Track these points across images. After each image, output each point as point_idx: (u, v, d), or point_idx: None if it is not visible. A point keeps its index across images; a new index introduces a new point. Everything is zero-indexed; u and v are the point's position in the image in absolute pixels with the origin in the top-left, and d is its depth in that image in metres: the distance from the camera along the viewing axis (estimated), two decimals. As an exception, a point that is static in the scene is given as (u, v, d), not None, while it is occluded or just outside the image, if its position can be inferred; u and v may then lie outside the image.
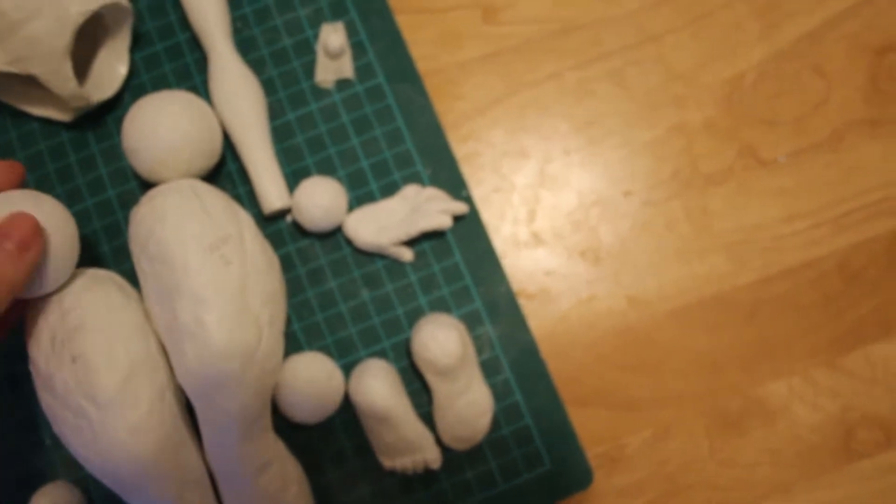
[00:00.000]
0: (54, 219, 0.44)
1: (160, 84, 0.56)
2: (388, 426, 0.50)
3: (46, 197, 0.44)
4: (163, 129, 0.49)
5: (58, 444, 0.53)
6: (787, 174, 0.56)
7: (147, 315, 0.49)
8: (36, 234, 0.42)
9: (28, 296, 0.45)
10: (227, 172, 0.55)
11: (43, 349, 0.46)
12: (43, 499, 0.51)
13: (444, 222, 0.52)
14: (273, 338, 0.49)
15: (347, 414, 0.53)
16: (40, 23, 0.48)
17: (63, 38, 0.49)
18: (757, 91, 0.57)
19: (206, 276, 0.46)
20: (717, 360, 0.54)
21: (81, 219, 0.54)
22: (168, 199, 0.48)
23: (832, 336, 0.55)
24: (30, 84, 0.54)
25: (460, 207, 0.53)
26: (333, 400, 0.51)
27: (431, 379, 0.51)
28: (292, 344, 0.53)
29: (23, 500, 0.52)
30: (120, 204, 0.55)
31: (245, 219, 0.50)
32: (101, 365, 0.45)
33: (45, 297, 0.47)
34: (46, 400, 0.46)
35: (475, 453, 0.53)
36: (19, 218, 0.42)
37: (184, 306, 0.46)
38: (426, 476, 0.52)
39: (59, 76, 0.50)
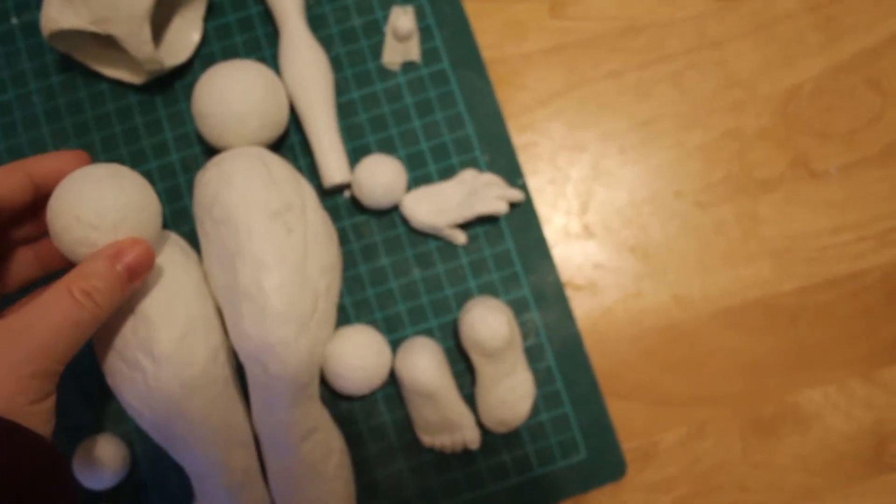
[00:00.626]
0: (137, 193, 0.45)
1: (230, 54, 0.57)
2: (432, 403, 0.51)
3: (128, 172, 0.45)
4: (234, 96, 0.50)
5: (104, 398, 0.54)
6: (837, 187, 0.57)
7: (205, 277, 0.50)
8: (147, 265, 0.43)
9: None
10: (289, 144, 0.56)
11: (104, 303, 0.48)
12: (88, 449, 0.52)
13: (501, 208, 0.53)
14: (327, 308, 0.50)
15: (390, 389, 0.54)
16: (124, -14, 0.50)
17: (144, 2, 0.50)
18: (813, 103, 0.57)
19: (269, 242, 0.47)
20: (756, 364, 0.55)
21: (147, 180, 0.56)
22: (236, 163, 0.49)
23: (870, 348, 0.56)
24: (105, 45, 0.56)
25: (516, 195, 0.54)
26: (380, 374, 0.52)
27: (477, 360, 0.51)
28: (342, 317, 0.55)
29: (69, 450, 0.53)
30: (182, 168, 0.56)
31: (308, 190, 0.51)
32: (160, 321, 0.46)
33: None
34: (104, 352, 0.48)
35: (513, 437, 0.54)
36: (139, 245, 0.43)
37: (245, 270, 0.47)
38: (463, 456, 0.53)
39: (138, 38, 0.51)
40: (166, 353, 0.46)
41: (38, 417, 0.39)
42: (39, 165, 0.45)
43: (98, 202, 0.42)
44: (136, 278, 0.43)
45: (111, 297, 0.42)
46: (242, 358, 0.48)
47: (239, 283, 0.48)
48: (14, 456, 0.37)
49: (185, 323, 0.47)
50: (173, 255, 0.48)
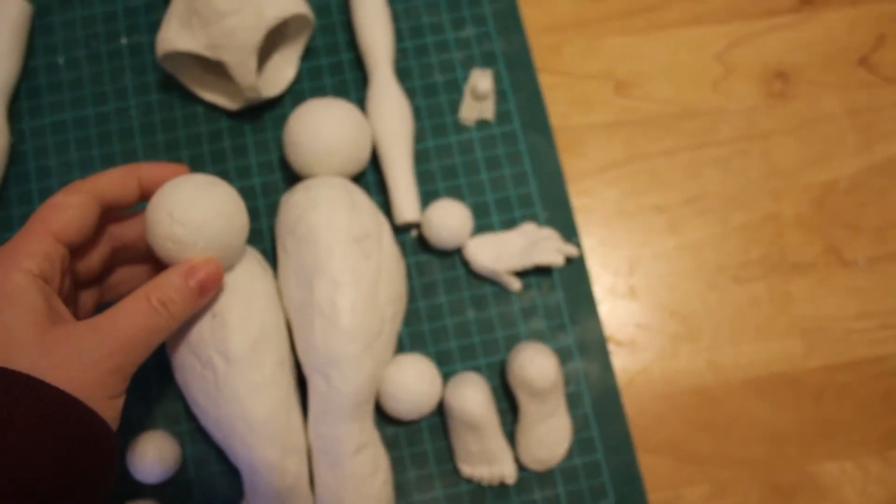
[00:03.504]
0: (228, 202, 0.48)
1: (319, 93, 0.62)
2: (476, 434, 0.54)
3: (223, 184, 0.49)
4: (326, 129, 0.55)
5: (161, 398, 0.57)
6: (865, 276, 0.61)
7: (279, 292, 0.53)
8: (216, 283, 0.48)
9: None
10: (366, 182, 0.60)
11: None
12: (143, 442, 0.54)
13: (557, 260, 0.57)
14: (391, 332, 0.54)
15: (435, 420, 0.57)
16: (241, 18, 0.54)
17: (256, 35, 0.55)
18: (847, 197, 0.62)
19: (347, 264, 0.51)
20: (779, 433, 0.59)
21: (226, 199, 0.60)
22: (323, 190, 0.53)
23: (887, 429, 0.59)
24: (207, 70, 0.60)
25: (572, 250, 0.58)
26: (431, 402, 0.55)
27: (523, 398, 0.55)
28: (399, 346, 0.58)
29: (123, 443, 0.55)
30: (263, 191, 0.60)
31: (384, 222, 0.55)
32: (236, 324, 0.49)
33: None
34: (178, 348, 0.51)
35: (547, 477, 0.57)
36: (210, 263, 0.47)
37: (321, 287, 0.51)
38: (499, 489, 0.56)
39: (245, 68, 0.56)
40: (239, 355, 0.49)
41: (111, 412, 0.42)
42: (147, 171, 0.49)
43: (191, 202, 0.46)
44: (206, 293, 0.47)
45: (184, 308, 0.46)
46: (307, 370, 0.52)
47: (314, 298, 0.51)
48: (88, 444, 0.40)
49: (259, 329, 0.50)
50: (252, 268, 0.52)
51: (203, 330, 0.50)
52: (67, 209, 0.45)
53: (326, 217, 0.52)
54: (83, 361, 0.41)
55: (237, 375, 0.49)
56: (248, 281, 0.51)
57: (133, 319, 0.43)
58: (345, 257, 0.51)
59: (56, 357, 0.40)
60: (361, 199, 0.54)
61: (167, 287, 0.45)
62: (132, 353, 0.43)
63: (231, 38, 0.55)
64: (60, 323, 0.42)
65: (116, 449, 0.42)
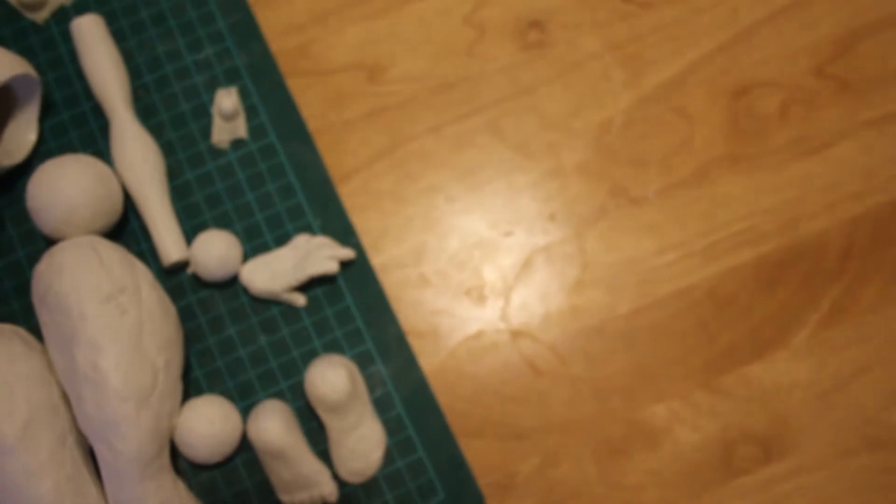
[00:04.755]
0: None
1: (67, 150, 0.60)
2: (285, 463, 0.53)
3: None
4: (64, 189, 0.53)
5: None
6: (657, 210, 0.60)
7: (50, 365, 0.52)
8: None
9: None
10: (130, 230, 0.58)
11: (-54, 399, 0.49)
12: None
13: (331, 267, 0.55)
14: (169, 381, 0.52)
15: (249, 455, 0.55)
16: (-55, 96, 0.52)
17: (-30, 110, 0.53)
18: (625, 134, 0.61)
19: (102, 324, 0.50)
20: (600, 388, 0.58)
21: (-9, 280, 0.58)
22: (66, 254, 0.51)
23: (707, 359, 0.58)
24: (-59, 153, 0.58)
25: (347, 253, 0.56)
26: (230, 440, 0.53)
27: (324, 415, 0.53)
28: (195, 389, 0.56)
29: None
30: (28, 263, 0.58)
31: (142, 271, 0.53)
32: (0, 414, 0.48)
33: None
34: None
35: (372, 486, 0.55)
36: None
37: (81, 353, 0.49)
38: (326, 510, 0.55)
39: (-33, 145, 0.54)
40: (9, 445, 0.48)
41: None
42: None
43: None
44: None
45: None
46: (90, 438, 0.50)
47: (77, 366, 0.50)
48: None
49: (27, 412, 0.49)
50: (12, 348, 0.51)
51: (-31, 427, 0.48)
52: None
53: (72, 281, 0.50)
54: None
55: (12, 464, 0.48)
56: (7, 365, 0.50)
57: None
58: (98, 318, 0.50)
59: None
60: (111, 254, 0.52)
61: None
62: None
63: (-59, 119, 0.52)
64: None
65: None
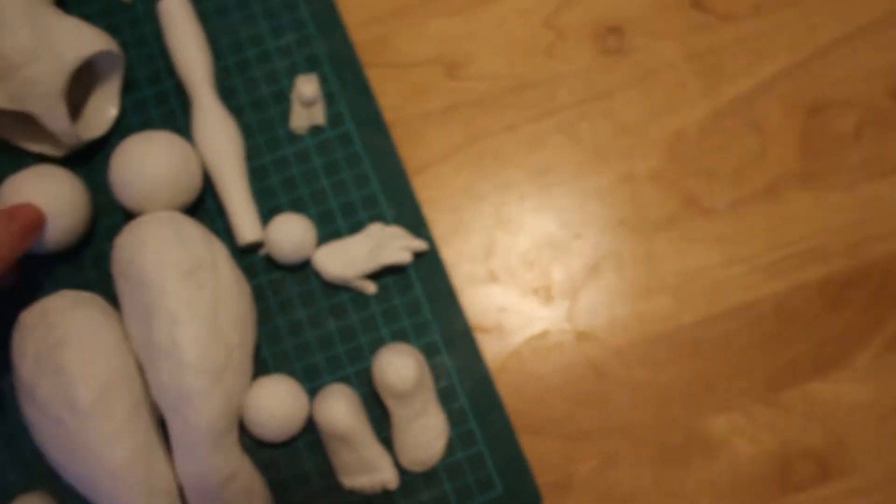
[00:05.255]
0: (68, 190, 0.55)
1: (147, 126, 0.60)
2: (349, 446, 0.53)
3: (62, 171, 0.56)
4: (147, 165, 0.54)
5: (37, 457, 0.55)
6: (727, 222, 0.60)
7: (126, 335, 0.52)
8: (39, 224, 0.52)
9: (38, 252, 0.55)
10: (206, 208, 0.59)
11: (28, 361, 0.50)
12: (21, 505, 0.53)
13: (404, 257, 0.56)
14: (242, 358, 0.53)
15: (312, 437, 0.56)
16: (38, 66, 0.53)
17: (59, 81, 0.54)
18: (699, 145, 0.61)
19: (181, 299, 0.50)
20: (661, 395, 0.58)
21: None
22: (148, 228, 0.52)
23: (769, 374, 0.58)
24: (26, 122, 0.59)
25: (420, 245, 0.57)
26: (298, 420, 0.54)
27: (390, 402, 0.54)
28: (262, 369, 0.57)
29: (-1, 511, 0.55)
30: (105, 234, 0.59)
31: (219, 248, 0.54)
32: (80, 377, 0.49)
33: (32, 316, 0.51)
34: (28, 409, 0.50)
35: (431, 476, 0.56)
36: (28, 207, 0.51)
37: (159, 326, 0.50)
38: (384, 497, 0.55)
39: (54, 115, 0.54)
40: (86, 408, 0.49)
41: None
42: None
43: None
44: (29, 235, 0.51)
45: (10, 251, 0.49)
46: (163, 410, 0.51)
47: (155, 338, 0.50)
48: None
49: (105, 379, 0.49)
50: (93, 315, 0.51)
51: (48, 387, 0.49)
52: None
53: (154, 255, 0.51)
54: None
55: (89, 428, 0.49)
56: (89, 331, 0.51)
57: None
58: (178, 293, 0.50)
59: None
60: (191, 231, 0.53)
61: None
62: None
63: (32, 88, 0.53)
64: None
65: None
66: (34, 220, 0.52)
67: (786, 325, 0.59)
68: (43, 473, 0.56)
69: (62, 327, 0.50)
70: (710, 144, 0.61)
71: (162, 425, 0.53)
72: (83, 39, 0.55)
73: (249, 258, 0.58)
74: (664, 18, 0.63)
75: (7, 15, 0.53)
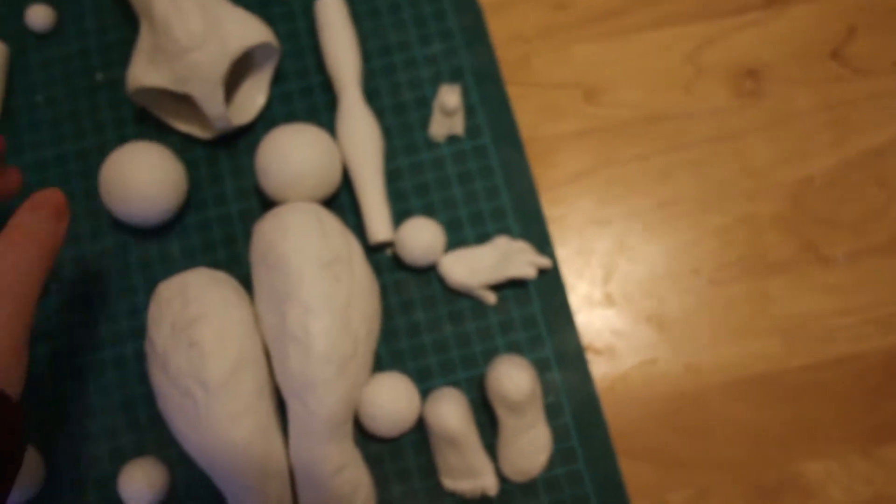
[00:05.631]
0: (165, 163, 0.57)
1: (291, 118, 0.63)
2: (456, 449, 0.55)
3: (160, 147, 0.58)
4: (295, 155, 0.56)
5: (152, 424, 0.58)
6: (843, 272, 0.61)
7: (256, 318, 0.54)
8: (64, 207, 0.49)
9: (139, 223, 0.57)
10: (339, 203, 0.61)
11: (163, 333, 0.52)
12: (133, 469, 0.55)
13: (530, 272, 0.58)
14: (366, 353, 0.54)
15: (417, 436, 0.58)
16: (204, 52, 0.55)
17: (221, 67, 0.56)
18: (823, 193, 0.62)
19: (318, 289, 0.52)
20: (761, 434, 0.59)
21: (204, 226, 0.61)
22: (293, 216, 0.54)
23: (870, 426, 0.59)
24: (179, 102, 0.61)
25: (545, 262, 0.58)
26: (409, 419, 0.56)
27: (501, 412, 0.55)
28: (378, 364, 0.59)
29: (114, 471, 0.57)
30: (239, 218, 0.61)
31: (355, 245, 0.56)
32: (213, 353, 0.51)
33: (171, 289, 0.53)
34: (159, 378, 0.52)
35: (529, 488, 0.57)
36: (46, 192, 0.48)
37: (294, 313, 0.52)
38: (482, 502, 0.57)
39: (212, 99, 0.57)
40: (217, 384, 0.50)
41: (12, 385, 0.43)
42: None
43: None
44: (61, 219, 0.48)
45: (48, 235, 0.47)
46: (285, 395, 0.53)
47: (287, 325, 0.52)
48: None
49: (236, 358, 0.51)
50: (228, 295, 0.53)
51: (180, 360, 0.51)
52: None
53: (296, 244, 0.53)
54: None
55: (216, 404, 0.51)
56: (223, 310, 0.52)
57: (15, 268, 0.44)
58: (315, 283, 0.52)
59: None
60: (331, 224, 0.55)
61: (21, 225, 0.46)
62: (31, 301, 0.44)
63: (196, 72, 0.56)
64: None
65: (22, 421, 0.43)
66: (58, 204, 0.49)
67: (891, 379, 0.60)
68: (155, 440, 0.58)
69: (199, 303, 0.52)
70: (834, 194, 0.62)
71: (280, 409, 0.55)
72: (247, 30, 0.57)
73: (377, 256, 0.60)
74: (802, 67, 0.64)
75: (183, 1, 0.55)
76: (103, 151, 0.62)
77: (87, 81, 0.64)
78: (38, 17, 0.64)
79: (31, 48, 0.65)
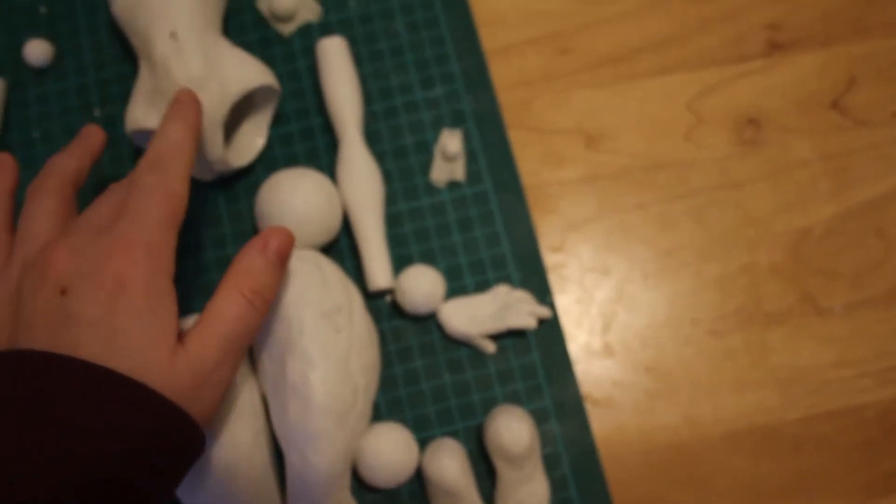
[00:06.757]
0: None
1: (291, 161, 0.62)
2: (454, 501, 0.55)
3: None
4: (296, 202, 0.55)
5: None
6: (841, 324, 0.61)
7: (252, 366, 0.54)
8: (290, 247, 0.49)
9: None
10: (338, 248, 0.61)
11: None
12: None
13: (530, 323, 0.57)
14: (365, 403, 0.54)
15: (415, 486, 0.57)
16: (204, 95, 0.55)
17: (221, 111, 0.55)
18: (822, 244, 0.62)
19: (318, 339, 0.51)
20: (760, 486, 0.59)
21: (200, 269, 0.60)
22: (294, 265, 0.54)
23: (867, 479, 0.59)
24: (178, 144, 0.61)
25: (545, 312, 0.58)
26: (408, 469, 0.55)
27: (500, 464, 0.55)
28: (376, 413, 0.58)
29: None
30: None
31: (355, 294, 0.55)
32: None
33: None
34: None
35: (527, 539, 0.57)
36: (280, 230, 0.48)
37: (293, 363, 0.51)
38: (479, 553, 0.57)
39: (211, 142, 0.56)
40: (214, 435, 0.50)
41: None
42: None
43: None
44: (285, 262, 0.48)
45: (273, 288, 0.47)
46: (283, 446, 0.52)
47: (286, 374, 0.52)
48: (187, 454, 0.43)
49: (233, 409, 0.51)
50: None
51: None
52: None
53: (297, 293, 0.52)
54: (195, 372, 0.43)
55: (216, 456, 0.50)
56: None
57: (231, 325, 0.45)
58: (316, 333, 0.52)
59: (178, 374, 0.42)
60: (332, 273, 0.54)
61: (255, 272, 0.46)
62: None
63: (196, 116, 0.55)
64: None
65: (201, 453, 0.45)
66: (287, 242, 0.48)
67: (889, 433, 0.60)
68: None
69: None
70: (833, 245, 0.62)
71: (277, 461, 0.54)
72: (248, 72, 0.57)
73: (376, 302, 0.60)
74: (803, 116, 0.64)
75: (184, 43, 0.55)
76: (98, 189, 0.61)
77: (84, 117, 0.63)
78: (37, 52, 0.63)
79: (29, 83, 0.64)
